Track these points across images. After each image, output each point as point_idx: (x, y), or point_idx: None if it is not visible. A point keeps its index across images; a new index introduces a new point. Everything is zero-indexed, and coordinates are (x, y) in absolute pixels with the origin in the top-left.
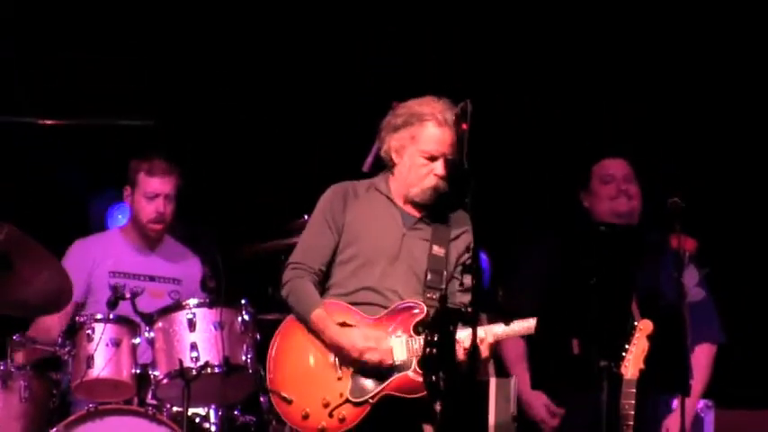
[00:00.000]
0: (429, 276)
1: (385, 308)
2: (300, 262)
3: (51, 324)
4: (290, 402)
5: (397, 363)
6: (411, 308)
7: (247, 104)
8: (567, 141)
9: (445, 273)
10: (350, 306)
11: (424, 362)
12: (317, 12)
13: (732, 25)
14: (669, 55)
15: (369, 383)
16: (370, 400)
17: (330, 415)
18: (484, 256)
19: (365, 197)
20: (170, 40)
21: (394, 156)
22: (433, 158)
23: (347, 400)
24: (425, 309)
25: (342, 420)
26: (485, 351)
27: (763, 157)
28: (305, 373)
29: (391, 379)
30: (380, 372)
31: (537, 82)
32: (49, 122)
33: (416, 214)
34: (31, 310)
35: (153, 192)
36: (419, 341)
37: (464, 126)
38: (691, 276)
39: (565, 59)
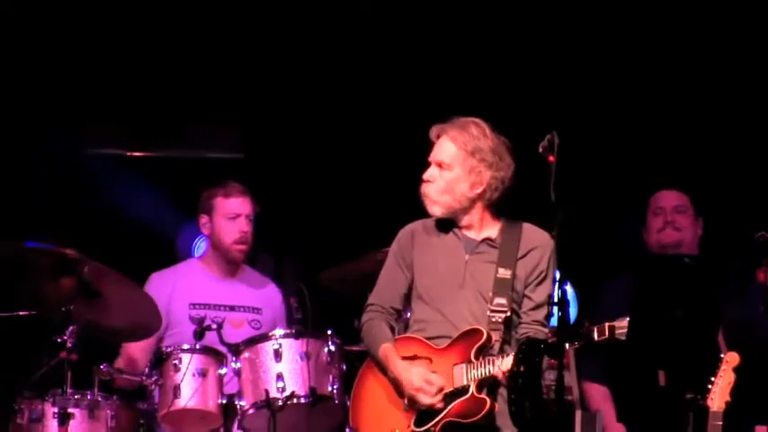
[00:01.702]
0: (495, 300)
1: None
2: (375, 303)
3: (136, 355)
4: None
5: (457, 389)
6: (472, 334)
7: (329, 137)
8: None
9: (513, 294)
10: (423, 339)
11: (512, 394)
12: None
13: None
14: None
15: (431, 412)
16: (433, 429)
17: None
18: (570, 289)
19: (430, 232)
20: (257, 73)
21: None
22: None
23: (412, 431)
24: (485, 333)
25: None
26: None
27: None
28: (378, 410)
29: (452, 405)
30: (442, 400)
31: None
32: (137, 154)
33: (477, 238)
34: (121, 336)
35: (234, 212)
36: (478, 366)
37: (551, 158)
38: None
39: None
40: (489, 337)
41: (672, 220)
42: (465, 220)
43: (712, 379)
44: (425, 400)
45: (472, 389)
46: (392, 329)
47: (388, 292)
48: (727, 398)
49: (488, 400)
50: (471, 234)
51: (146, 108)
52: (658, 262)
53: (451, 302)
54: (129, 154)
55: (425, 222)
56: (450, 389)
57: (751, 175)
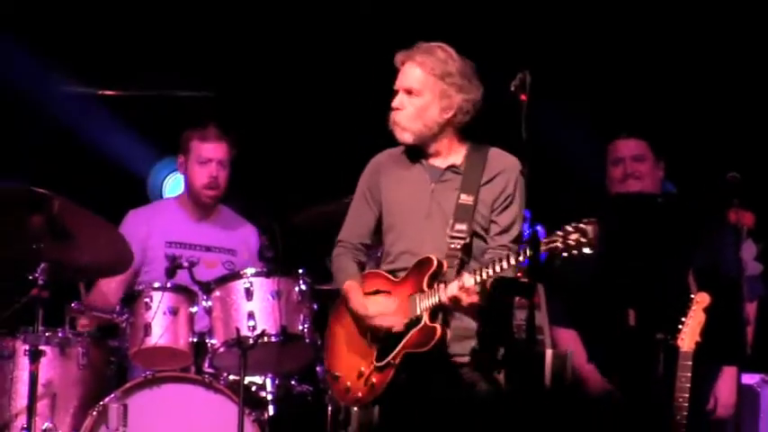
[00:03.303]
0: (456, 226)
1: None
2: (343, 239)
3: (109, 290)
4: (336, 379)
5: (412, 319)
6: (425, 263)
7: (302, 75)
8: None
9: (474, 220)
10: (387, 274)
11: (482, 338)
12: None
13: None
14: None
15: (389, 346)
16: (392, 362)
17: (365, 384)
18: (540, 229)
19: (396, 163)
20: (230, 11)
21: None
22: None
23: (375, 367)
24: (435, 261)
25: (372, 387)
26: (471, 298)
27: None
28: (346, 349)
29: (408, 336)
30: (399, 333)
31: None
32: (108, 93)
33: (442, 165)
34: (94, 273)
35: (206, 157)
36: (430, 295)
37: (523, 97)
38: (748, 250)
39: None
40: (441, 265)
41: (632, 171)
42: (433, 147)
43: (682, 319)
44: (386, 322)
45: (425, 318)
46: (361, 265)
47: (356, 227)
48: (697, 338)
49: (438, 329)
50: (437, 162)
51: (117, 46)
52: (630, 200)
53: (417, 234)
54: (100, 92)
55: (391, 153)
56: (399, 327)
57: (725, 117)
